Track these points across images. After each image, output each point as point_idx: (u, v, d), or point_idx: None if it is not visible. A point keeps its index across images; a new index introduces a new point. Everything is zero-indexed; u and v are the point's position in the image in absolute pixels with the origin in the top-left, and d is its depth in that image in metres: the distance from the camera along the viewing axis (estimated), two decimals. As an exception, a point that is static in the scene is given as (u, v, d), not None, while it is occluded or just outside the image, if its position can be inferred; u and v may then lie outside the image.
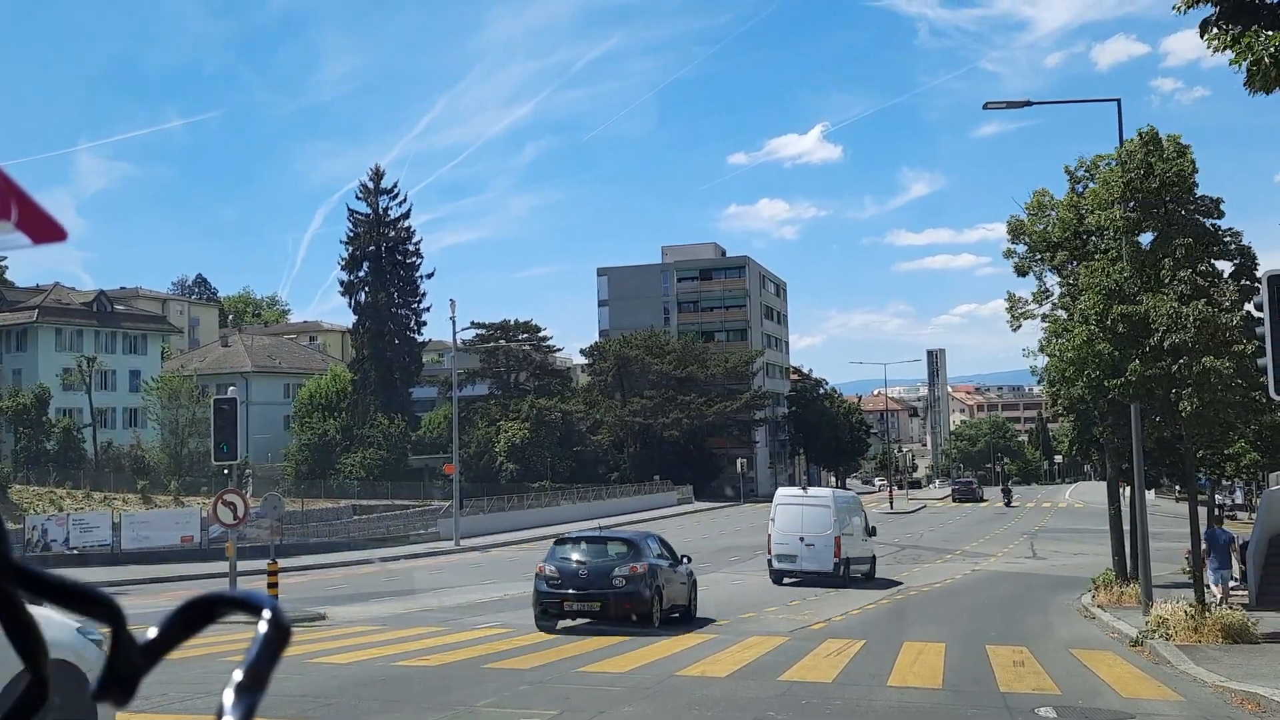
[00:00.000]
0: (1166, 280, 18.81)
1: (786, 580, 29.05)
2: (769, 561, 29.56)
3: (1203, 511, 28.60)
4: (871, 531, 32.49)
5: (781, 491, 32.19)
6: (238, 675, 0.87)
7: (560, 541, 20.31)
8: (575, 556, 19.41)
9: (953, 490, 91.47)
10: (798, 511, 29.44)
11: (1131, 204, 19.91)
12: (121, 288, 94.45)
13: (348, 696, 11.99)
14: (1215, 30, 9.89)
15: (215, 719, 0.85)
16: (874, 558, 32.01)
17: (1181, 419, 18.94)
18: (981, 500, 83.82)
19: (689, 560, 21.78)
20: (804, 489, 34.12)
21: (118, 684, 0.91)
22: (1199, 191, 20.10)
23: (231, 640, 14.45)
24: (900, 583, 30.68)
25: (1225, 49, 9.68)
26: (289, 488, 62.23)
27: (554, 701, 11.64)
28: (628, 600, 18.90)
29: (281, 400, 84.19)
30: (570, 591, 18.80)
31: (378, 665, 14.55)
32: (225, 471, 25.16)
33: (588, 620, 18.91)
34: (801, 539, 28.77)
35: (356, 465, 71.02)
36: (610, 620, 18.66)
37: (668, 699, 12.03)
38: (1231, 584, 26.41)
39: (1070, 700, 12.32)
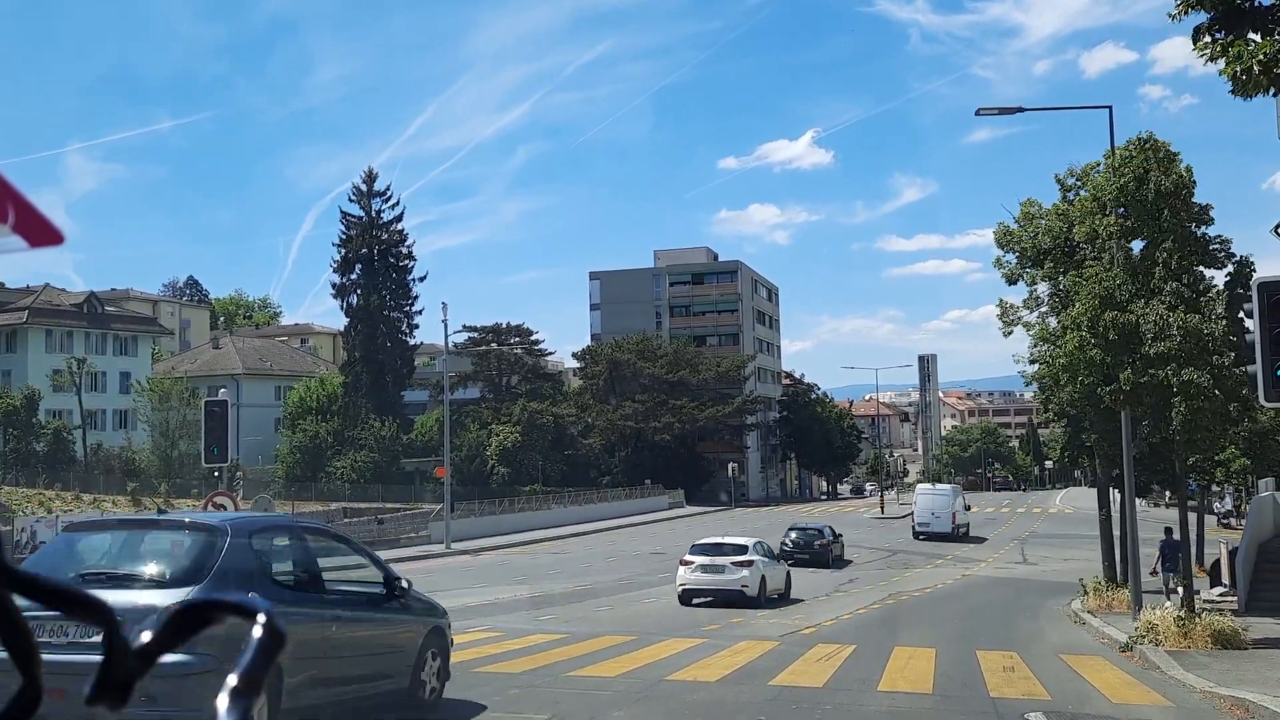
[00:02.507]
0: (1157, 289, 18.86)
1: (921, 536, 50.72)
2: (913, 527, 52.32)
3: (1192, 518, 28.69)
4: (968, 507, 56.89)
5: (920, 486, 60.18)
6: (232, 680, 0.88)
7: (790, 529, 38.68)
8: (795, 535, 37.70)
9: (996, 483, 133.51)
10: (930, 497, 53.15)
11: (1122, 209, 19.97)
12: (112, 289, 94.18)
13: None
14: (1208, 39, 9.96)
15: None
16: (969, 523, 55.08)
17: (1172, 427, 18.99)
18: (1016, 490, 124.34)
19: (841, 536, 40.51)
20: (934, 484, 60.10)
21: (112, 689, 0.91)
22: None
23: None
24: (986, 539, 52.80)
25: (1217, 59, 9.74)
26: (279, 490, 62.07)
27: (544, 706, 11.62)
28: (824, 553, 36.82)
29: (272, 403, 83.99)
30: (797, 550, 36.01)
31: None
32: (216, 474, 25.09)
33: (804, 564, 34.54)
34: (933, 513, 51.71)
35: (347, 468, 70.86)
36: (813, 564, 35.28)
37: (658, 704, 12.03)
38: (1220, 590, 26.54)
39: (1060, 705, 12.34)
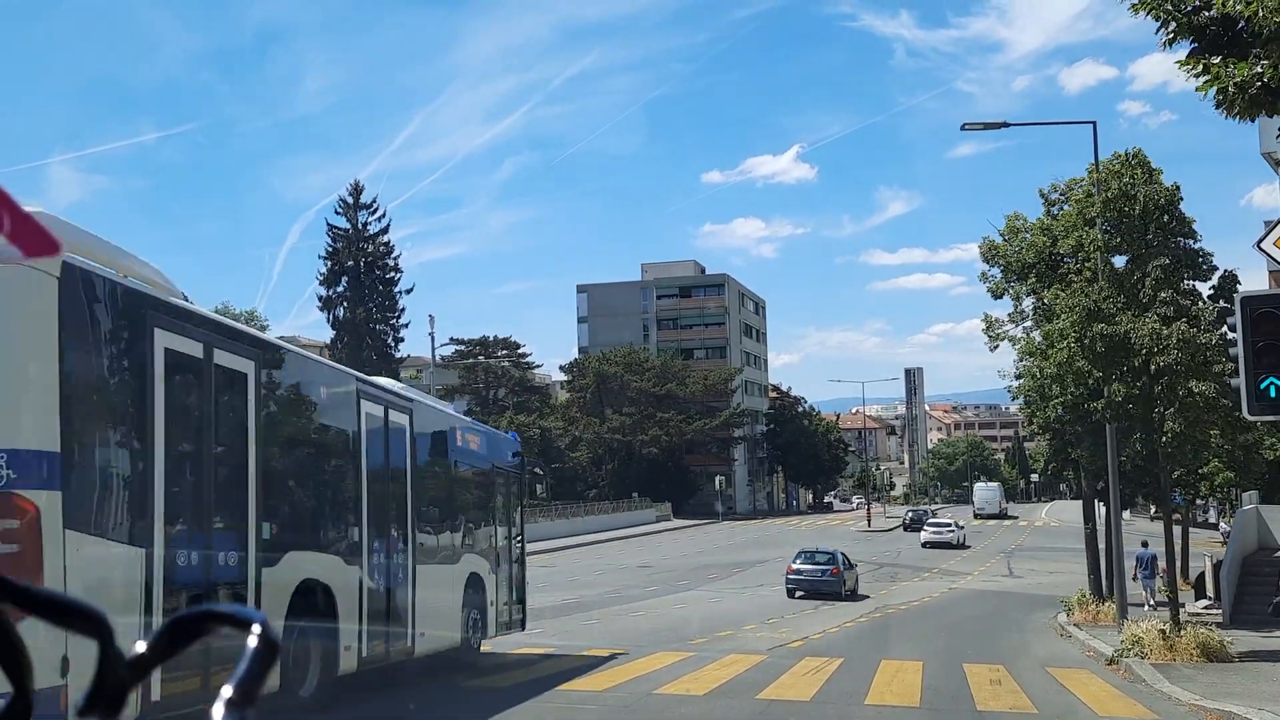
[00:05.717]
0: (1147, 302, 18.93)
1: (978, 518, 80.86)
2: (973, 512, 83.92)
3: (1177, 531, 28.78)
4: (1005, 497, 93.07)
5: (978, 485, 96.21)
6: (227, 690, 0.87)
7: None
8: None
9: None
10: (984, 492, 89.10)
11: (1104, 224, 20.08)
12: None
13: (314, 715, 11.85)
14: (1189, 58, 10.05)
15: None
16: (1008, 508, 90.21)
17: (1162, 440, 19.03)
18: (1043, 501, 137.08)
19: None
20: (986, 483, 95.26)
21: (105, 699, 0.90)
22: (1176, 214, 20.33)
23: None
24: (1015, 516, 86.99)
25: (1196, 76, 9.84)
26: (265, 504, 61.55)
27: (531, 720, 11.57)
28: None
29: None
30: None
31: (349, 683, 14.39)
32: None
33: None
34: (987, 501, 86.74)
35: (333, 481, 70.41)
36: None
37: (645, 718, 11.98)
38: (1204, 603, 26.63)
39: (1046, 718, 12.35)
